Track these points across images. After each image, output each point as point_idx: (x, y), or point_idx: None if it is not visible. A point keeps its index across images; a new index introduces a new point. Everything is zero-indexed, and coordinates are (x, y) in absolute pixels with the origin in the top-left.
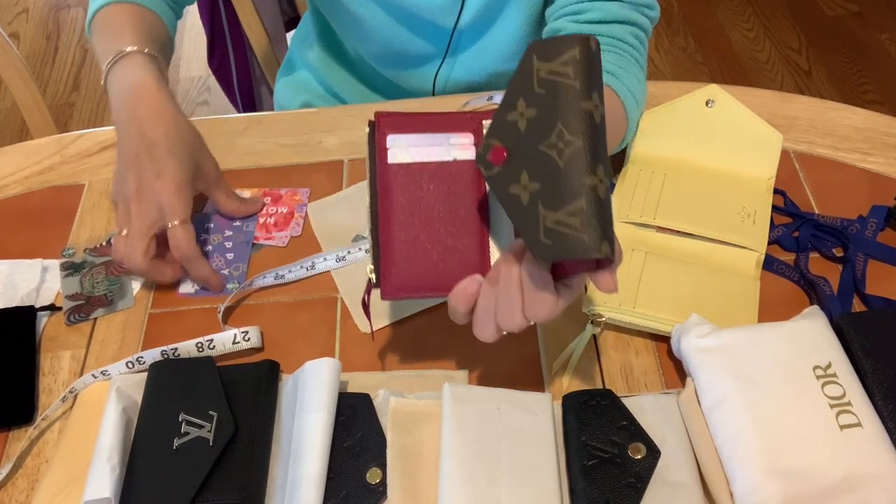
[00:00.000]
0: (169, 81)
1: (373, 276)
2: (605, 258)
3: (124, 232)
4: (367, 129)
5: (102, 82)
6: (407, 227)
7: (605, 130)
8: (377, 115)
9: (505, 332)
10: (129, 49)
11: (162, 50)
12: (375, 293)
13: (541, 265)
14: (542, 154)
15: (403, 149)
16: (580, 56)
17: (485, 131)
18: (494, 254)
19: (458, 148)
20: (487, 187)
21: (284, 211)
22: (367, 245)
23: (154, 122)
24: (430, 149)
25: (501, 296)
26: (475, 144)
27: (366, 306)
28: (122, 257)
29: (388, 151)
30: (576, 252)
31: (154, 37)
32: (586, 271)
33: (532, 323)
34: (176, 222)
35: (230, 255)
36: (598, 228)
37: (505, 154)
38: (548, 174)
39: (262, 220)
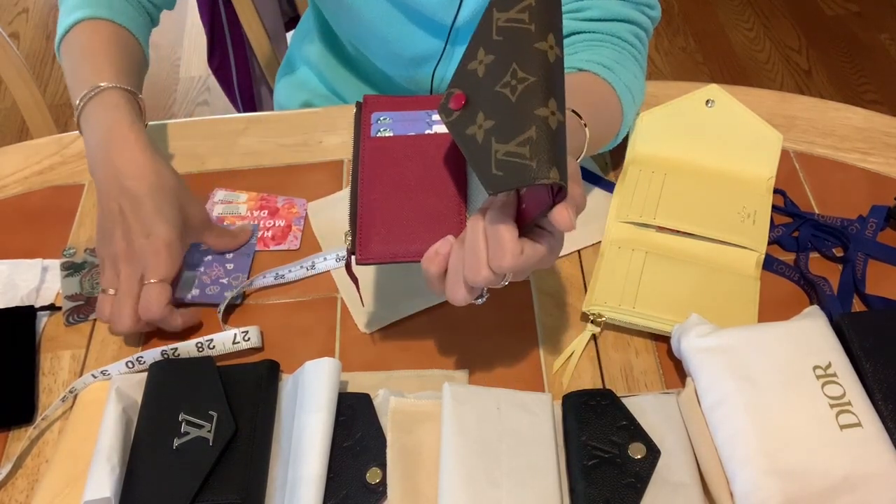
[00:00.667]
0: (145, 116)
1: (348, 241)
2: (559, 191)
3: (111, 291)
4: (355, 110)
5: (76, 118)
6: (383, 194)
7: (563, 71)
8: (365, 97)
9: (481, 297)
10: (104, 85)
11: (139, 77)
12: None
13: (504, 213)
14: (497, 94)
15: (386, 124)
16: (535, 2)
17: None
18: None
19: (437, 123)
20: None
21: (282, 224)
22: None
23: (134, 173)
24: (410, 123)
25: (467, 250)
26: None
27: (350, 272)
28: (110, 319)
29: (371, 126)
30: (524, 179)
31: (131, 64)
32: (547, 210)
33: (505, 280)
34: (153, 280)
35: (230, 266)
36: (547, 156)
37: (464, 99)
38: (501, 110)
39: (260, 234)
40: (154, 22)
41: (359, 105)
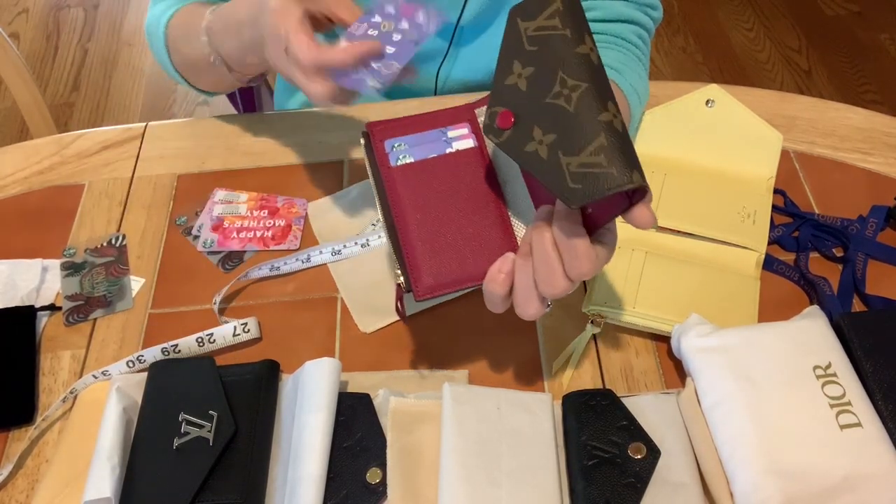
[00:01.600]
0: None
1: (401, 280)
2: (637, 190)
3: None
4: (362, 141)
5: (211, 58)
6: (424, 224)
7: (604, 69)
8: (369, 125)
9: (549, 306)
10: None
11: None
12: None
13: (573, 220)
14: (549, 106)
15: (403, 150)
16: (562, 6)
17: (479, 119)
18: (518, 232)
19: (456, 140)
20: (496, 169)
21: (282, 224)
22: (361, 240)
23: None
24: (428, 145)
25: (539, 263)
26: (472, 133)
27: (401, 313)
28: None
29: (389, 156)
30: (608, 187)
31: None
32: (620, 213)
33: (576, 286)
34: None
35: (389, 49)
36: (625, 160)
37: (512, 116)
38: (561, 123)
39: (259, 234)
40: None
41: (365, 135)
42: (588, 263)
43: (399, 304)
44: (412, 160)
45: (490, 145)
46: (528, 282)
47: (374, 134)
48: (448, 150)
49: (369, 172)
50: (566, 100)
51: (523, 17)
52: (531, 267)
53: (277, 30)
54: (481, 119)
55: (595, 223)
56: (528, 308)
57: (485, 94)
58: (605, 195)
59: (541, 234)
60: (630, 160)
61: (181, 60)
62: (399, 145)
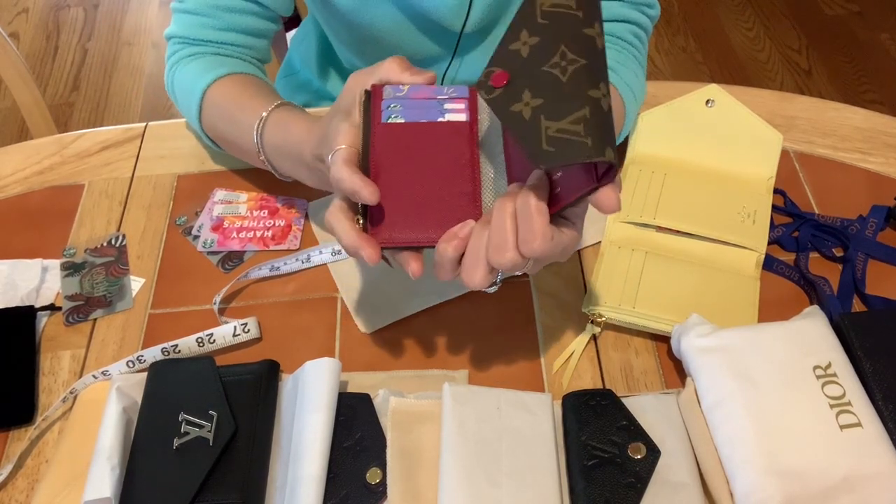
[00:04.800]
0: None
1: (360, 222)
2: (606, 173)
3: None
4: (363, 98)
5: (260, 155)
6: (395, 180)
7: (606, 58)
8: (374, 86)
9: (496, 284)
10: (264, 114)
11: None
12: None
13: (538, 197)
14: (544, 73)
15: (397, 111)
16: None
17: (479, 102)
18: (487, 204)
19: (450, 112)
20: (480, 143)
21: (282, 224)
22: None
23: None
24: (422, 111)
25: (494, 230)
26: (467, 109)
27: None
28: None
29: (382, 113)
30: (579, 155)
31: (270, 90)
32: (587, 192)
33: (526, 266)
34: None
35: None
36: (602, 135)
37: (506, 78)
38: (550, 89)
39: (259, 234)
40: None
41: (367, 93)
42: (541, 241)
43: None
44: (402, 121)
45: (481, 125)
46: (480, 248)
47: (376, 94)
48: (439, 119)
49: (361, 129)
50: (561, 71)
51: None
52: (486, 234)
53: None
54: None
55: (560, 201)
56: (474, 275)
57: None
58: (575, 162)
59: (503, 203)
60: (607, 137)
61: (216, 133)
62: (394, 105)
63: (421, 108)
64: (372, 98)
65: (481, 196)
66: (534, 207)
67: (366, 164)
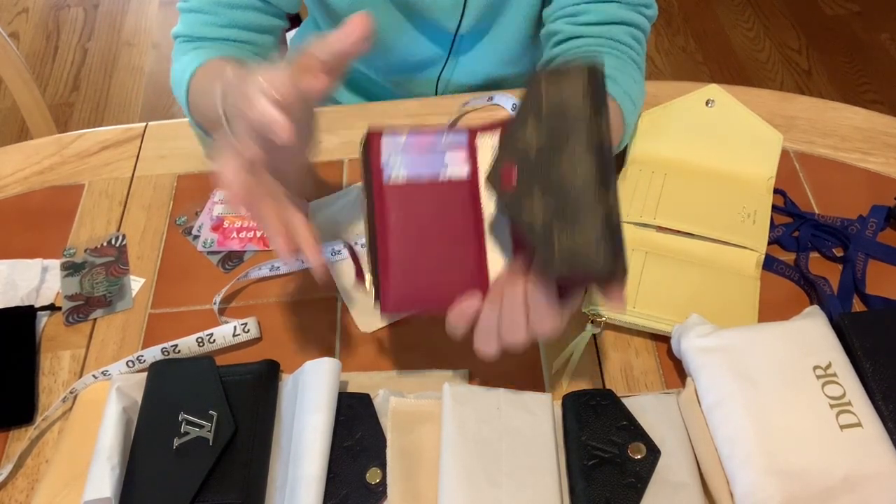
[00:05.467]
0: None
1: (372, 291)
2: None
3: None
4: (360, 148)
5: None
6: (404, 244)
7: (613, 155)
8: (370, 134)
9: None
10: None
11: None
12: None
13: (546, 284)
14: (553, 177)
15: (398, 167)
16: (588, 83)
17: (478, 147)
18: (493, 266)
19: (452, 166)
20: (484, 205)
21: None
22: (362, 239)
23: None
24: (423, 167)
25: (506, 312)
26: (468, 161)
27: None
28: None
29: (383, 170)
30: (591, 273)
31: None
32: (595, 285)
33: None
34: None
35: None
36: (612, 250)
37: (515, 174)
38: (560, 196)
39: (259, 234)
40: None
41: (364, 143)
42: (552, 323)
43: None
44: (404, 179)
45: (482, 177)
46: (492, 325)
47: (372, 146)
48: (441, 176)
49: (362, 178)
50: (571, 176)
51: (548, 80)
52: (497, 312)
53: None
54: (482, 143)
55: (568, 288)
56: (487, 349)
57: (485, 93)
58: (587, 278)
59: (514, 286)
60: (616, 249)
61: (200, 115)
62: (395, 161)
63: (421, 160)
64: (370, 148)
65: (487, 260)
66: (544, 296)
67: (371, 226)
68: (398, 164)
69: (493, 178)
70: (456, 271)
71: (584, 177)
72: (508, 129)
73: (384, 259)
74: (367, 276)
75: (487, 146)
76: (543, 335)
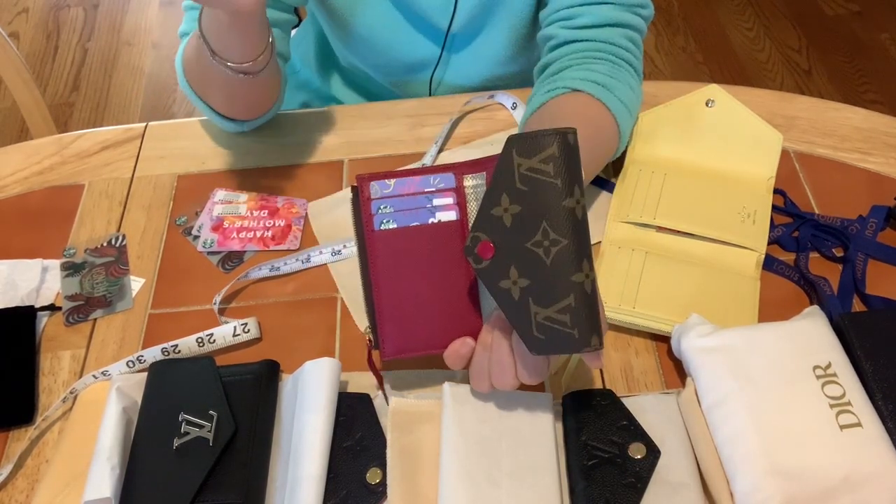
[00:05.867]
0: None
1: (371, 337)
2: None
3: None
4: (350, 195)
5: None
6: (398, 290)
7: (588, 223)
8: (359, 179)
9: None
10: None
11: None
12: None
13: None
14: (529, 251)
15: (388, 214)
16: (558, 152)
17: (466, 188)
18: (486, 305)
19: (440, 210)
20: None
21: (282, 224)
22: None
23: None
24: (412, 212)
25: (494, 361)
26: (456, 205)
27: (372, 365)
28: None
29: (374, 218)
30: (568, 347)
31: None
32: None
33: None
34: None
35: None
36: (588, 324)
37: (492, 248)
38: (536, 271)
39: (259, 234)
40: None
41: (354, 189)
42: (538, 373)
43: (369, 357)
44: (395, 226)
45: (471, 217)
46: (483, 368)
47: (363, 191)
48: (431, 220)
49: (353, 227)
50: (545, 251)
51: (519, 152)
52: (488, 357)
53: None
54: (468, 184)
55: None
56: (480, 385)
57: (486, 92)
58: (564, 353)
59: (500, 341)
60: (593, 323)
61: (193, 77)
62: (385, 208)
63: (410, 207)
64: (360, 196)
65: (480, 298)
66: (528, 350)
67: (365, 273)
68: (388, 212)
69: (470, 251)
70: (450, 314)
71: (557, 255)
72: (484, 201)
73: (380, 308)
74: (366, 325)
75: (473, 186)
76: (529, 382)
